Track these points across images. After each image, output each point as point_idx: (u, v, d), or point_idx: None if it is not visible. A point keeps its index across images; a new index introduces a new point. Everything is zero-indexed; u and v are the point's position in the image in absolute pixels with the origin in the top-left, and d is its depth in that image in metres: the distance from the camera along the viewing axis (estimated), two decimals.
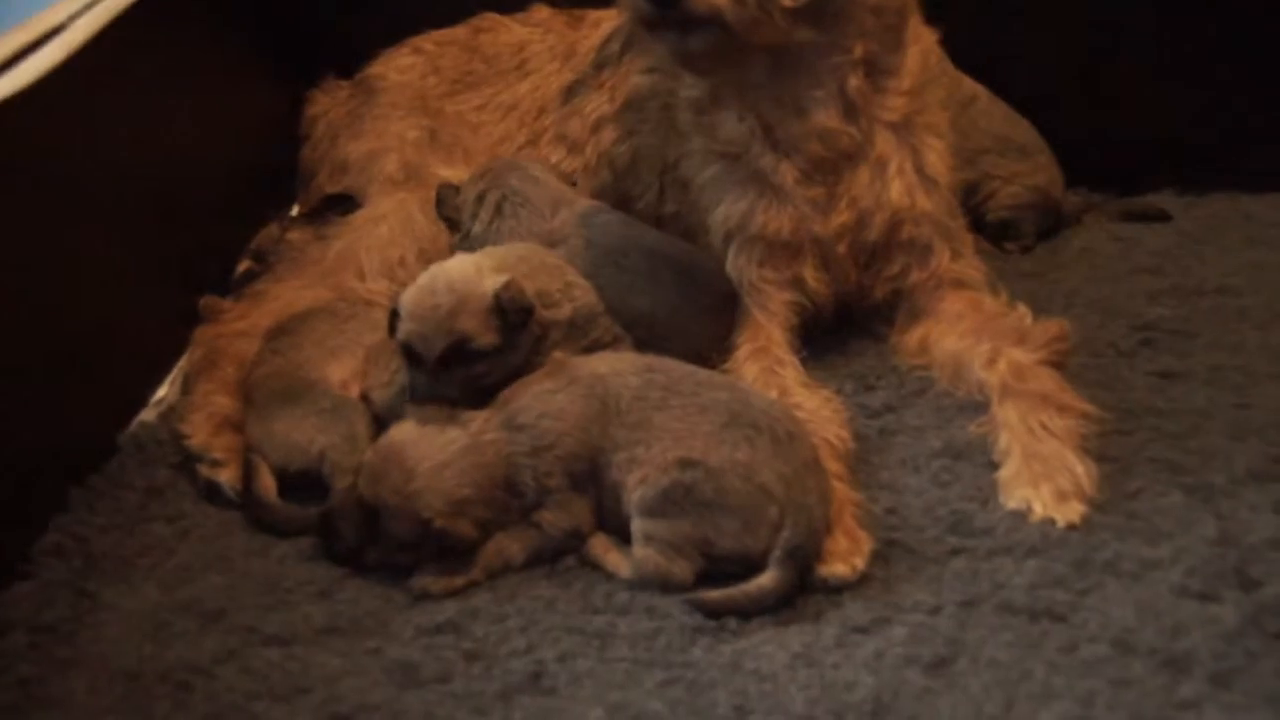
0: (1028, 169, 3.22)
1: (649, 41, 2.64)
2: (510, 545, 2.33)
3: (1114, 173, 3.38)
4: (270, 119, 3.45)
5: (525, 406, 2.35)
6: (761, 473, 2.21)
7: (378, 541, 2.32)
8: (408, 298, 2.41)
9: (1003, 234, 3.23)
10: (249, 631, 2.20)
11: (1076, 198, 3.32)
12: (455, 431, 2.31)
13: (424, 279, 2.43)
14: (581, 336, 2.52)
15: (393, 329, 2.44)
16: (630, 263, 2.67)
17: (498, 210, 2.77)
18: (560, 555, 2.34)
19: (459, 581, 2.29)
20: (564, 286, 2.54)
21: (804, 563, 2.19)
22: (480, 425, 2.33)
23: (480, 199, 2.80)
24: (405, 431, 2.33)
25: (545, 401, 2.34)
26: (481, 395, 2.39)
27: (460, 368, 2.38)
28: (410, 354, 2.41)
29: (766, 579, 2.17)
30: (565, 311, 2.51)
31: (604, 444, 2.31)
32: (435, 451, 2.29)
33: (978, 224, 3.20)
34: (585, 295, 2.57)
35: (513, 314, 2.38)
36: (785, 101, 2.69)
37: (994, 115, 3.23)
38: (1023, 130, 3.26)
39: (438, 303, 2.38)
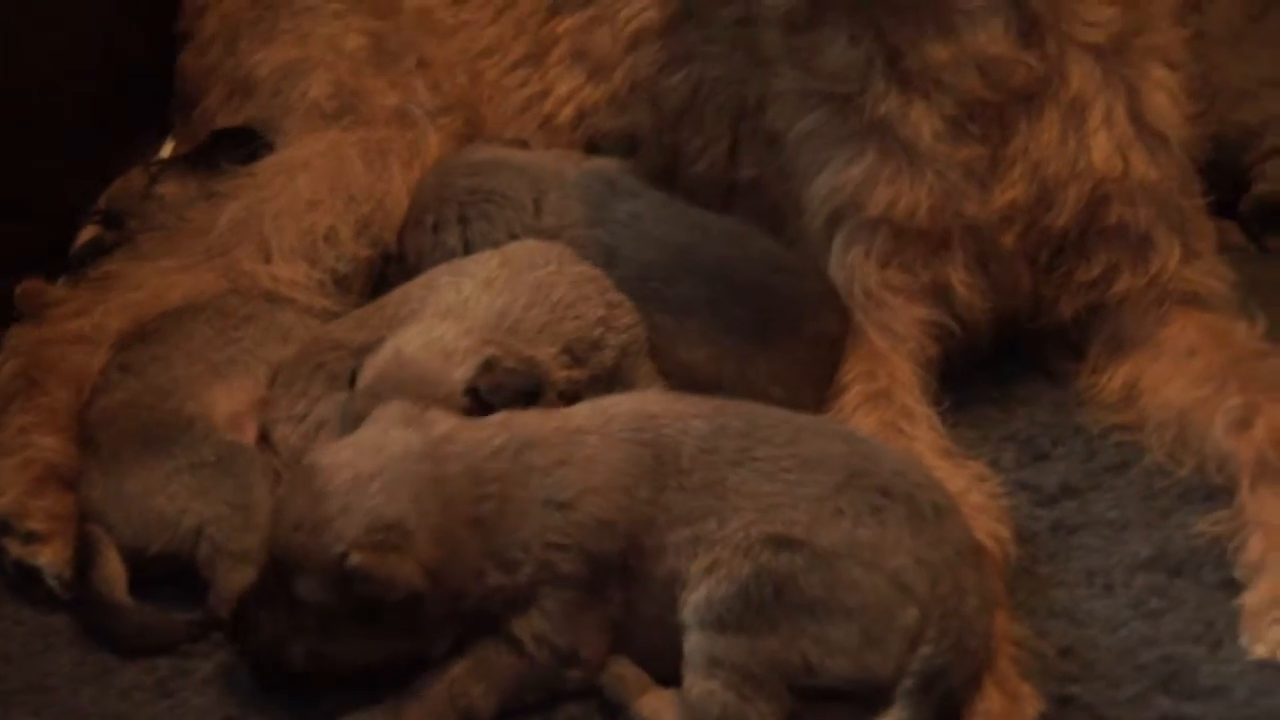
0: None
1: None
2: (469, 684, 2.29)
3: None
4: (133, 5, 3.46)
5: (544, 441, 2.34)
6: (895, 557, 2.20)
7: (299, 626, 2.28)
8: (360, 386, 2.50)
9: (1270, 223, 3.20)
10: None
11: None
12: (405, 433, 2.31)
13: (379, 360, 2.51)
14: (617, 383, 2.57)
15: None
16: (681, 294, 2.68)
17: (461, 219, 2.85)
18: (560, 696, 2.33)
19: None
20: (606, 313, 2.60)
21: (946, 701, 2.16)
22: (450, 429, 2.32)
23: (435, 229, 2.88)
24: (334, 447, 2.35)
25: (573, 443, 2.34)
26: None
27: None
28: None
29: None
30: (609, 355, 2.59)
31: (654, 515, 2.29)
32: (363, 459, 2.28)
33: (1228, 206, 3.16)
34: (630, 320, 2.64)
35: (503, 404, 2.45)
36: (923, 11, 2.69)
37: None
38: None
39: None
